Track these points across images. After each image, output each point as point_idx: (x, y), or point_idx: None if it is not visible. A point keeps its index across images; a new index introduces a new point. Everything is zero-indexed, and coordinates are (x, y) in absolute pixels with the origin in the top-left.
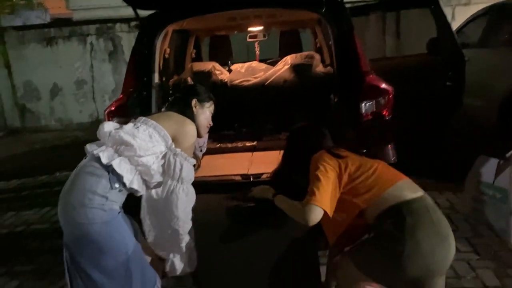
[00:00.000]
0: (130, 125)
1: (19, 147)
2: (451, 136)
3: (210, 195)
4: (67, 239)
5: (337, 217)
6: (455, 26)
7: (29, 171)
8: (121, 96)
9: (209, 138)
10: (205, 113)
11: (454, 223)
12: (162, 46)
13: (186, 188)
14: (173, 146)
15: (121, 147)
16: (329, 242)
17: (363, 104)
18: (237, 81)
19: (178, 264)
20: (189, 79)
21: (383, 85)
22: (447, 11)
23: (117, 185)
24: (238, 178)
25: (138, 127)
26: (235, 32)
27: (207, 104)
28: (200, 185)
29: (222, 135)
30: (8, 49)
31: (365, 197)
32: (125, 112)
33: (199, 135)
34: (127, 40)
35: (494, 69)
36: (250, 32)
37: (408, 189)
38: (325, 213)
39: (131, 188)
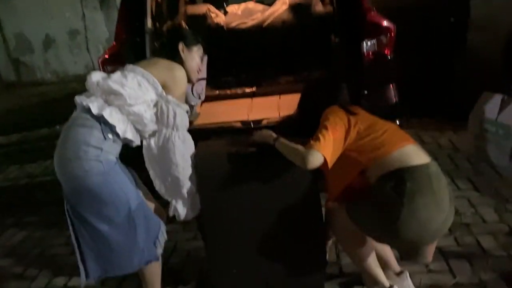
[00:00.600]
0: (118, 74)
1: (16, 101)
2: (453, 74)
3: (211, 141)
4: (66, 191)
5: (340, 172)
6: None
7: (29, 125)
8: (114, 43)
9: (208, 84)
10: (193, 57)
11: (454, 162)
12: None
13: (181, 135)
14: (164, 93)
15: (110, 96)
16: (330, 198)
17: (364, 43)
18: (233, 24)
19: (181, 209)
20: (183, 24)
21: (385, 23)
22: None
23: (110, 136)
24: (238, 124)
25: (126, 76)
26: None
27: (194, 48)
28: (200, 133)
29: (220, 82)
30: None
31: (370, 156)
32: (119, 60)
33: (190, 81)
34: None
35: (500, 2)
36: None
37: (415, 155)
38: (330, 169)
39: (125, 138)
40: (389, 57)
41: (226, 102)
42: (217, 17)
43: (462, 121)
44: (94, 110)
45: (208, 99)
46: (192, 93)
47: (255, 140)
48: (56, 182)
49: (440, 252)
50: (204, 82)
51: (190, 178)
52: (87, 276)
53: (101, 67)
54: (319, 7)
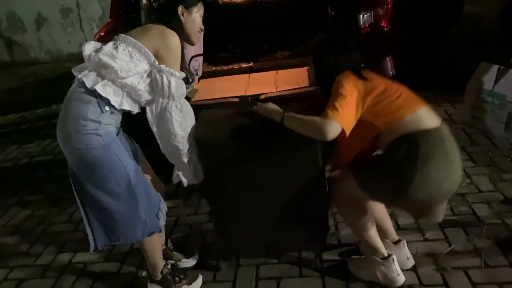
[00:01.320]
0: (109, 45)
1: (11, 81)
2: (450, 46)
3: (212, 110)
4: (70, 164)
5: (354, 138)
6: None
7: (26, 104)
8: (110, 20)
9: (204, 61)
10: (194, 19)
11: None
12: None
13: (179, 103)
14: (157, 63)
15: (102, 70)
16: (339, 164)
17: (360, 16)
18: None
19: (184, 176)
20: None
21: None
22: None
23: (107, 108)
24: (236, 100)
25: (117, 47)
26: None
27: (195, 9)
28: (198, 110)
29: (217, 58)
30: None
31: (386, 120)
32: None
33: (192, 43)
34: None
35: None
36: None
37: (427, 118)
38: (340, 133)
39: (123, 109)
40: (385, 29)
41: (223, 78)
42: None
43: (459, 93)
44: (88, 84)
45: (205, 75)
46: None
47: (258, 112)
48: (55, 161)
49: None
50: (201, 58)
51: (191, 147)
52: (95, 245)
53: None
54: None
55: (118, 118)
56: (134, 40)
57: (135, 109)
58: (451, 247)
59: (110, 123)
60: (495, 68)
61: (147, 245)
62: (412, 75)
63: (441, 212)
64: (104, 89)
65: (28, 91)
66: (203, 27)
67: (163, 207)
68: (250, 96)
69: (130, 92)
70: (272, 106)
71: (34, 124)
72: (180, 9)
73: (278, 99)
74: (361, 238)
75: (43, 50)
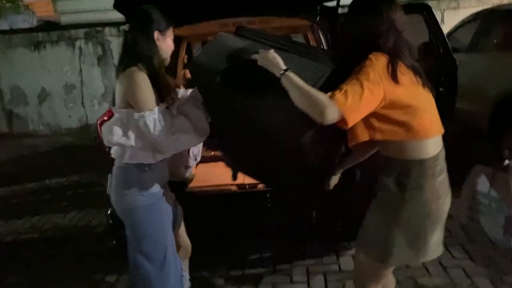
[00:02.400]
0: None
1: (6, 153)
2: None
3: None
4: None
5: (356, 131)
6: (445, 30)
7: (18, 178)
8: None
9: (203, 145)
10: (168, 42)
11: (448, 229)
12: None
13: (162, 139)
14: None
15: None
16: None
17: None
18: None
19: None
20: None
21: None
22: (436, 15)
23: (146, 169)
24: (234, 188)
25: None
26: None
27: (168, 33)
28: (195, 197)
29: (216, 143)
30: None
31: (394, 133)
32: None
33: (166, 64)
34: (117, 44)
35: (485, 73)
36: None
37: (432, 146)
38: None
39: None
40: None
41: (222, 164)
42: None
43: (453, 187)
44: (117, 159)
45: (204, 160)
46: (188, 155)
47: (257, 62)
48: (42, 239)
49: None
50: (200, 145)
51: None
52: None
53: (99, 129)
54: None
55: (157, 174)
56: (119, 111)
57: (156, 158)
58: None
59: (151, 182)
60: (489, 171)
61: None
62: None
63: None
64: (131, 159)
65: (22, 163)
66: (173, 47)
67: (185, 273)
68: (248, 184)
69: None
70: (275, 57)
71: (24, 198)
72: (155, 34)
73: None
74: None
75: (42, 123)
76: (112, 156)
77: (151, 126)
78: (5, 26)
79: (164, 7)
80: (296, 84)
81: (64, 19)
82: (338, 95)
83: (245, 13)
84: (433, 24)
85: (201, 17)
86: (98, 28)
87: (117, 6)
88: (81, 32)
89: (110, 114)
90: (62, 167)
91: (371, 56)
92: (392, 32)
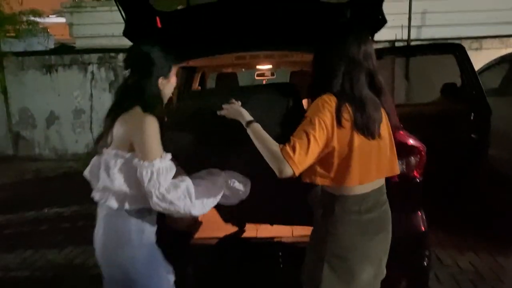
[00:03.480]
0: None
1: (9, 176)
2: (475, 190)
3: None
4: (110, 276)
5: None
6: None
7: (17, 204)
8: None
9: None
10: (171, 81)
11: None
12: None
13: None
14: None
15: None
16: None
17: None
18: None
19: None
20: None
21: (414, 143)
22: None
23: (147, 215)
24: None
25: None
26: (242, 70)
27: (171, 74)
28: (201, 249)
29: None
30: (6, 74)
31: (334, 179)
32: None
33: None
34: None
35: None
36: (258, 70)
37: (362, 187)
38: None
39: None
40: (417, 179)
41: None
42: None
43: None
44: (114, 206)
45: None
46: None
47: (226, 115)
48: (33, 278)
49: None
50: None
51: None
52: None
53: None
54: None
55: (152, 220)
56: (114, 151)
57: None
58: None
59: (150, 229)
60: None
61: None
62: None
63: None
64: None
65: (23, 189)
66: (175, 83)
67: None
68: (262, 238)
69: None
70: (239, 109)
71: (19, 229)
72: (160, 80)
73: (294, 247)
74: None
75: (48, 147)
76: (106, 203)
77: (154, 177)
78: (19, 47)
79: (180, 38)
80: (259, 135)
81: (79, 43)
82: (287, 149)
83: (263, 46)
84: (466, 65)
85: (218, 50)
86: (112, 54)
87: (126, 34)
88: (95, 56)
89: None
90: (63, 195)
91: (323, 97)
92: (346, 70)
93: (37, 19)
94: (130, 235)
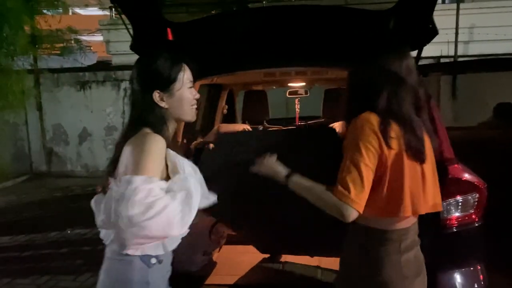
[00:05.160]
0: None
1: (39, 193)
2: None
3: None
4: None
5: None
6: None
7: (42, 224)
8: None
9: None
10: (180, 97)
11: None
12: None
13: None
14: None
15: None
16: None
17: (445, 204)
18: None
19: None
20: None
21: (472, 178)
22: None
23: (153, 261)
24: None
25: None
26: (273, 87)
27: (176, 86)
28: None
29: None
30: (42, 91)
31: (376, 210)
32: None
33: (189, 121)
34: None
35: None
36: (290, 87)
37: (406, 220)
38: None
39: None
40: (477, 224)
41: (250, 249)
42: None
43: None
44: (115, 249)
45: (230, 241)
46: (210, 236)
47: (260, 171)
48: None
49: None
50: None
51: None
52: None
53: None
54: None
55: (165, 269)
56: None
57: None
58: None
59: (157, 281)
60: None
61: None
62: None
63: None
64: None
65: (51, 207)
66: (197, 96)
67: None
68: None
69: None
70: (273, 163)
71: (39, 251)
72: (156, 95)
73: None
74: None
75: (80, 163)
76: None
77: (126, 194)
78: (55, 64)
79: (203, 53)
80: (304, 186)
81: (115, 60)
82: (340, 189)
83: (293, 62)
84: None
85: (241, 66)
86: None
87: (134, 48)
88: (128, 73)
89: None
90: (88, 215)
91: (361, 116)
92: (390, 86)
93: (82, 37)
94: (132, 286)
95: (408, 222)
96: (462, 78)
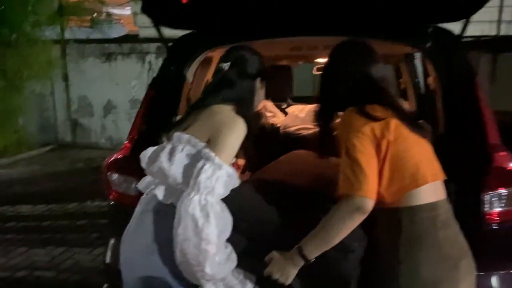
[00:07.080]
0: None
1: (61, 164)
2: None
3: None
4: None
5: None
6: None
7: (63, 195)
8: (127, 143)
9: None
10: (264, 89)
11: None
12: (200, 77)
13: (203, 199)
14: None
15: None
16: None
17: (487, 197)
18: (292, 129)
19: None
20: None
21: None
22: None
23: None
24: None
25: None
26: (299, 63)
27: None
28: None
29: None
30: (68, 62)
31: (391, 189)
32: (127, 168)
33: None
34: None
35: None
36: (317, 63)
37: (429, 192)
38: None
39: None
40: None
41: None
42: (274, 116)
43: None
44: (160, 196)
45: None
46: None
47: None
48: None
49: None
50: None
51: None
52: None
53: (105, 172)
54: None
55: None
56: (188, 136)
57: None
58: None
59: None
60: None
61: None
62: None
63: None
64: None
65: (73, 178)
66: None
67: None
68: None
69: None
70: (285, 265)
71: (57, 221)
72: (258, 82)
73: None
74: None
75: (104, 136)
76: (153, 191)
77: (213, 178)
78: (81, 35)
79: (221, 18)
80: (318, 236)
81: (142, 33)
82: (343, 185)
83: (325, 31)
84: None
85: (264, 33)
86: (170, 44)
87: (146, 10)
88: (153, 46)
89: (118, 157)
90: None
91: (342, 116)
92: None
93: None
94: (169, 237)
95: (435, 195)
96: (503, 57)
